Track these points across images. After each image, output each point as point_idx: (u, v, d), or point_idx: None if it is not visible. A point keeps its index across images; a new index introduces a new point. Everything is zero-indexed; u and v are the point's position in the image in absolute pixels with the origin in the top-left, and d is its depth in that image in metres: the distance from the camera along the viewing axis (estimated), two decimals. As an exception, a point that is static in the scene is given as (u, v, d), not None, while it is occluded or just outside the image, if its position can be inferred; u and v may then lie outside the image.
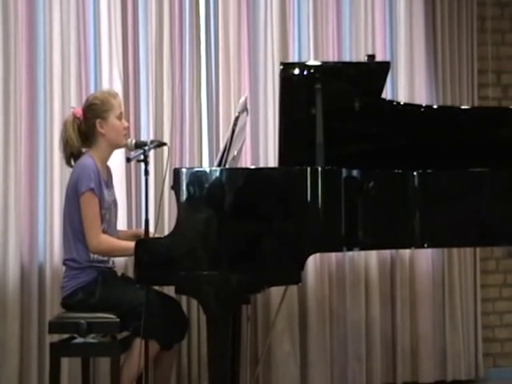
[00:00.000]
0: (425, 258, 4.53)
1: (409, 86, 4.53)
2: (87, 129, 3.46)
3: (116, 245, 3.36)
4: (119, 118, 3.48)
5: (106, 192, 3.44)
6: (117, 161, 3.75)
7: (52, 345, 3.34)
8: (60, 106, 4.03)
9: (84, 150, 3.49)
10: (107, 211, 3.44)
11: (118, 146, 3.52)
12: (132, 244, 3.10)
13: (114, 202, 3.55)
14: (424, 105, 3.99)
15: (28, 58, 4.07)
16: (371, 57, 3.46)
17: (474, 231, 3.29)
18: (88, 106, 3.47)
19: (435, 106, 4.18)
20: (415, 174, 3.22)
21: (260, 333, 4.25)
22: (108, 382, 3.33)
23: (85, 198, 3.33)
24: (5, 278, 3.91)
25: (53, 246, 3.97)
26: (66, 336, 3.37)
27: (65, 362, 3.73)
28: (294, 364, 4.28)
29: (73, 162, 3.49)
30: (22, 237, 3.96)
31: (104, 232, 3.38)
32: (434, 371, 4.50)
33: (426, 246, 3.33)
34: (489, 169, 3.32)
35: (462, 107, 4.37)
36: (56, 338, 3.42)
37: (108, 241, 3.36)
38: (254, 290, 3.17)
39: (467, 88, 4.65)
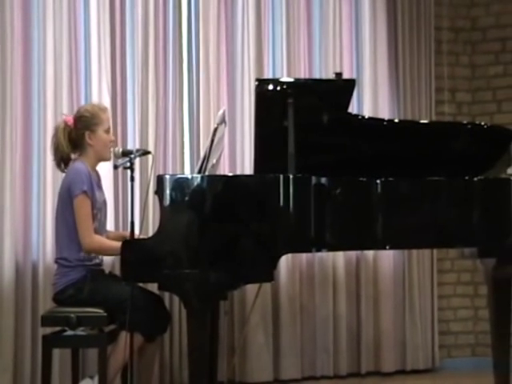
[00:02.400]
0: (387, 258, 4.56)
1: (373, 101, 4.57)
2: (76, 138, 3.44)
3: (107, 245, 3.34)
4: (107, 131, 3.46)
5: (97, 193, 3.42)
6: (105, 168, 3.73)
7: (44, 337, 3.32)
8: (53, 116, 3.99)
9: (73, 155, 3.47)
10: (98, 211, 3.43)
11: (103, 158, 3.49)
12: (120, 245, 3.09)
13: (104, 203, 3.54)
14: (386, 118, 4.03)
15: (23, 72, 4.03)
16: (339, 74, 3.46)
17: (432, 234, 3.29)
18: (79, 118, 3.45)
19: (397, 120, 4.20)
20: (378, 181, 3.22)
21: (236, 326, 4.25)
22: (96, 372, 3.30)
23: (78, 200, 3.31)
24: (0, 275, 3.87)
25: (45, 245, 3.93)
26: (57, 329, 3.34)
27: (56, 352, 3.70)
28: (268, 355, 4.28)
29: (63, 166, 3.46)
30: (17, 237, 3.92)
31: (95, 230, 3.35)
32: (395, 361, 4.53)
33: (387, 247, 3.33)
34: (445, 178, 3.33)
35: (421, 121, 4.40)
36: (48, 330, 3.39)
37: (99, 240, 3.34)
38: (230, 287, 3.18)
39: (425, 104, 4.70)
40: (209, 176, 3.15)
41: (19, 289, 3.90)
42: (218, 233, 3.02)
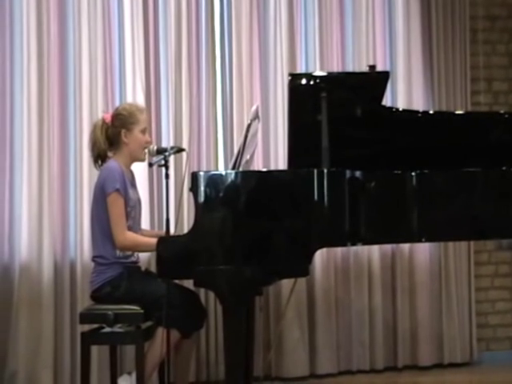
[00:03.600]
0: (423, 251, 4.44)
1: (407, 93, 4.45)
2: (113, 135, 3.42)
3: (140, 241, 3.32)
4: (143, 132, 3.43)
5: (130, 191, 3.40)
6: (140, 166, 3.68)
7: (83, 334, 3.30)
8: (88, 117, 3.98)
9: (109, 153, 3.45)
10: (132, 209, 3.40)
11: (137, 159, 3.46)
12: (154, 240, 3.07)
13: (139, 201, 3.51)
14: (421, 110, 3.93)
15: (59, 73, 4.04)
16: (372, 67, 3.40)
17: (468, 226, 3.23)
18: (116, 115, 3.43)
19: (431, 112, 4.11)
20: (413, 174, 3.15)
21: (272, 321, 4.19)
22: (133, 368, 3.28)
23: (111, 198, 3.29)
24: (40, 273, 3.88)
25: (83, 244, 3.92)
26: (95, 326, 3.32)
27: (94, 349, 3.68)
28: (303, 349, 4.21)
29: (100, 162, 3.44)
30: (55, 236, 3.93)
31: (129, 228, 3.33)
32: (432, 355, 4.41)
33: (423, 240, 3.27)
34: (481, 169, 3.25)
35: (456, 112, 4.28)
36: (86, 327, 3.37)
37: (133, 237, 3.31)
38: (265, 282, 3.15)
39: (461, 95, 4.57)
40: (243, 172, 3.11)
41: (58, 287, 3.91)
42: (252, 228, 2.98)
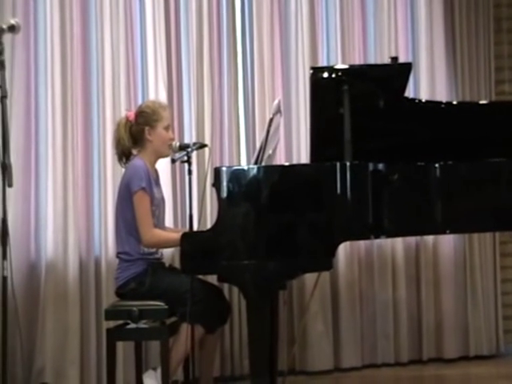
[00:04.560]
0: (447, 242, 4.32)
1: (430, 84, 4.33)
2: (137, 133, 3.37)
3: (166, 237, 3.26)
4: (166, 129, 3.38)
5: (155, 190, 3.35)
6: (163, 162, 3.61)
7: (108, 330, 3.26)
8: (111, 115, 3.92)
9: (134, 151, 3.40)
10: (157, 208, 3.35)
11: (162, 155, 3.41)
12: (179, 236, 2.99)
13: (163, 199, 3.46)
14: (444, 101, 3.81)
15: (83, 72, 3.98)
16: (394, 59, 3.30)
17: (493, 217, 3.14)
18: (140, 113, 3.38)
19: (455, 102, 3.99)
20: (437, 165, 3.06)
21: (296, 315, 4.11)
22: (158, 363, 3.22)
23: (137, 197, 3.24)
24: (65, 270, 3.84)
25: (107, 241, 3.87)
26: (120, 322, 3.28)
27: (120, 345, 3.64)
28: (327, 343, 4.12)
29: (124, 160, 3.40)
30: (80, 233, 3.88)
31: (154, 226, 3.28)
32: (458, 347, 4.29)
33: (447, 232, 3.20)
34: (506, 159, 3.15)
35: (480, 102, 4.15)
36: (111, 324, 3.33)
37: (159, 234, 3.26)
38: (289, 276, 3.08)
39: (485, 84, 4.44)
40: (265, 166, 3.04)
41: (83, 284, 3.87)
42: (275, 223, 2.91)
